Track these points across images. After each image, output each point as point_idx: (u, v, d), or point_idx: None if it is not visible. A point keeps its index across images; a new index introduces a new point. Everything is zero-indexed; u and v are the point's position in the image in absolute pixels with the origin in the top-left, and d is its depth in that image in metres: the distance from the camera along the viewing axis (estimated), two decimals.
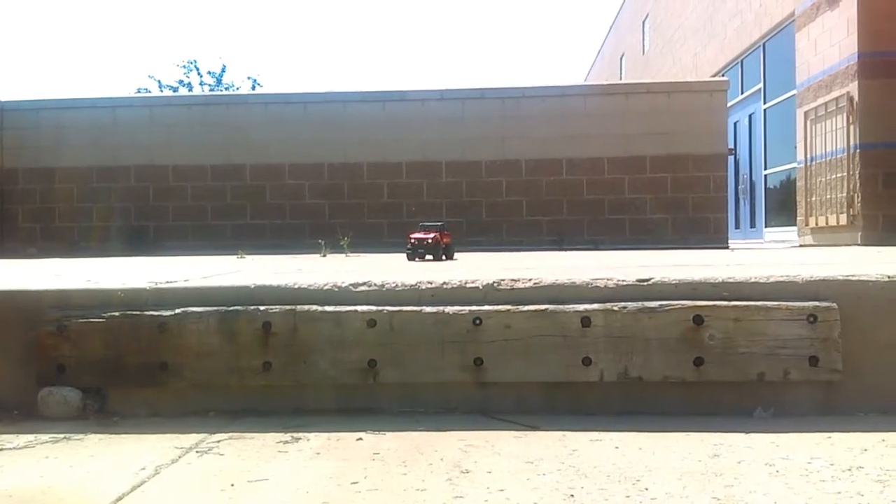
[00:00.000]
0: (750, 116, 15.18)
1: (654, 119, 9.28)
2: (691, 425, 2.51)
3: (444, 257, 5.27)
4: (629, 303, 2.74)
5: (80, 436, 2.55)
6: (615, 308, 2.72)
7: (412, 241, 5.10)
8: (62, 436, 2.55)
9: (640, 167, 9.20)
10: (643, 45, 25.21)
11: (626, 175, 9.22)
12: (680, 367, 2.67)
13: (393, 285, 2.95)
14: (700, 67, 17.22)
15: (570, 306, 2.75)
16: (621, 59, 29.16)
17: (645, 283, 2.81)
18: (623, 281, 2.83)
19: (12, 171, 9.41)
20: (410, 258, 5.02)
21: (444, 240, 5.28)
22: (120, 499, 1.96)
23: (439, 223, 5.40)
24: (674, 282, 2.81)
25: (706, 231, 9.19)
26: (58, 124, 9.51)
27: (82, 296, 2.96)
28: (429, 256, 5.11)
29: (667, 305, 2.71)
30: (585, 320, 2.71)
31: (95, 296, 2.95)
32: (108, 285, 3.04)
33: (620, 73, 28.41)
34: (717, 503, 1.83)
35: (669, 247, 7.85)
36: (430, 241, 5.07)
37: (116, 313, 2.85)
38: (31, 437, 2.55)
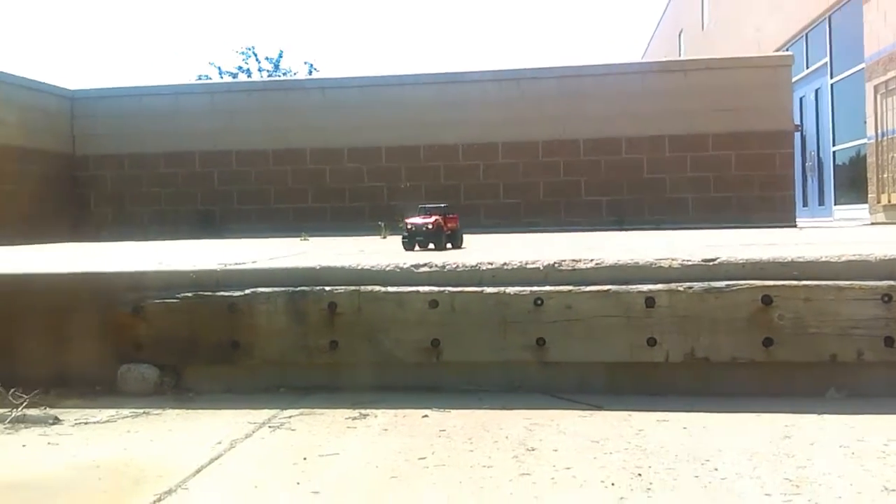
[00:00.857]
0: (816, 91, 14.66)
1: (715, 96, 9.04)
2: (761, 406, 2.48)
3: (448, 246, 4.30)
4: (695, 283, 2.70)
5: (159, 411, 2.66)
6: (680, 288, 2.69)
7: (408, 227, 4.12)
8: (141, 411, 2.67)
9: (702, 145, 9.00)
10: (702, 21, 24.51)
11: (688, 153, 9.02)
12: (748, 348, 2.63)
13: (453, 266, 2.97)
14: (763, 42, 16.67)
15: (634, 287, 2.73)
16: (680, 35, 28.44)
17: (711, 263, 2.77)
18: (688, 261, 2.79)
19: (83, 158, 9.76)
20: (407, 248, 4.08)
21: (449, 225, 4.32)
22: (199, 471, 2.04)
23: (443, 205, 4.39)
24: (741, 261, 2.76)
25: (772, 210, 8.95)
26: (125, 112, 9.82)
27: (156, 278, 3.07)
28: (431, 245, 4.18)
29: (734, 285, 2.67)
30: (650, 301, 2.68)
31: (168, 277, 3.06)
32: (180, 267, 3.14)
33: (679, 50, 27.71)
34: (790, 484, 1.81)
35: (734, 226, 7.68)
36: (430, 226, 4.07)
37: (189, 294, 2.96)
38: (112, 411, 2.67)
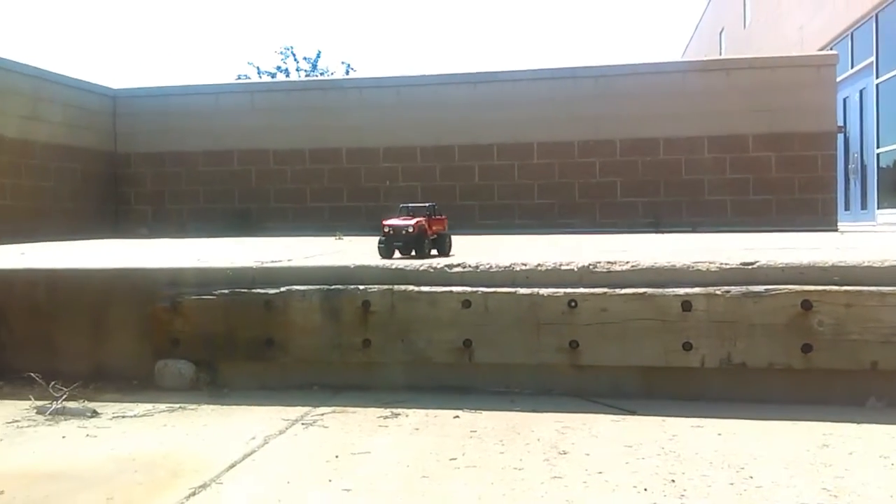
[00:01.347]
0: (861, 92, 14.31)
1: (756, 96, 8.88)
2: (798, 414, 2.43)
3: (432, 252, 3.59)
4: (733, 287, 2.66)
5: (194, 406, 2.71)
6: (718, 292, 2.65)
7: (385, 229, 3.45)
8: (177, 405, 2.71)
9: (741, 146, 8.84)
10: (744, 19, 24.11)
11: (727, 154, 8.87)
12: (786, 354, 2.58)
13: (487, 267, 2.97)
14: (806, 41, 16.33)
15: (670, 290, 2.70)
16: (721, 34, 28.00)
17: (749, 267, 2.72)
18: (726, 264, 2.75)
19: (125, 156, 9.95)
20: (384, 254, 3.37)
21: (434, 227, 3.65)
22: (233, 466, 2.07)
23: (427, 204, 3.75)
24: (780, 265, 2.71)
25: (814, 213, 8.76)
26: (165, 111, 9.99)
27: (194, 274, 3.12)
28: (412, 252, 3.45)
29: (773, 290, 2.62)
30: (686, 304, 2.65)
31: (206, 274, 3.11)
32: (218, 264, 3.19)
33: (720, 49, 27.29)
34: (828, 494, 1.77)
35: (774, 229, 7.53)
36: (410, 229, 3.40)
37: (226, 291, 3.00)
38: (149, 405, 2.72)
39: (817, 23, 16.13)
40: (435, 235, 3.66)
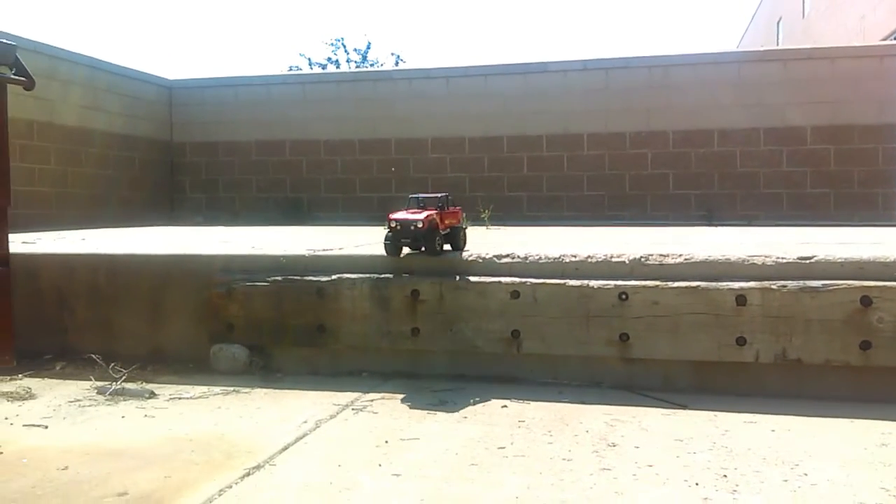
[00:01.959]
0: None
1: (815, 87, 8.62)
2: (856, 412, 2.37)
3: (447, 247, 3.22)
4: (789, 281, 2.60)
5: (248, 389, 2.77)
6: (774, 287, 2.60)
7: (392, 224, 3.09)
8: (232, 389, 2.78)
9: (799, 138, 8.60)
10: (803, 9, 23.41)
11: (784, 147, 8.64)
12: (844, 351, 2.52)
13: (536, 258, 2.96)
14: (868, 31, 15.77)
15: (724, 284, 2.65)
16: (778, 23, 27.24)
17: (807, 262, 2.66)
18: (783, 258, 2.69)
19: (181, 146, 10.17)
20: (390, 252, 3.06)
21: (447, 221, 3.24)
22: (286, 448, 2.11)
23: (440, 195, 3.34)
24: (839, 260, 2.64)
25: (873, 207, 8.47)
26: (219, 101, 10.17)
27: (248, 261, 3.19)
28: (421, 249, 3.11)
29: (831, 285, 2.55)
30: (741, 299, 2.60)
31: (260, 261, 3.17)
32: (272, 252, 3.24)
33: (777, 39, 26.57)
34: (887, 494, 1.73)
35: (831, 224, 7.32)
36: (419, 224, 3.02)
37: (279, 278, 3.05)
38: (204, 388, 2.79)
39: (880, 13, 15.57)
40: (448, 230, 3.25)
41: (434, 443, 2.14)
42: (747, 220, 8.32)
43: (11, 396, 2.68)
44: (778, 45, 25.46)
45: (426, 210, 3.17)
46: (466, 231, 3.47)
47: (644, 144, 8.99)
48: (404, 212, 3.16)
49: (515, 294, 2.84)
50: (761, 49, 10.95)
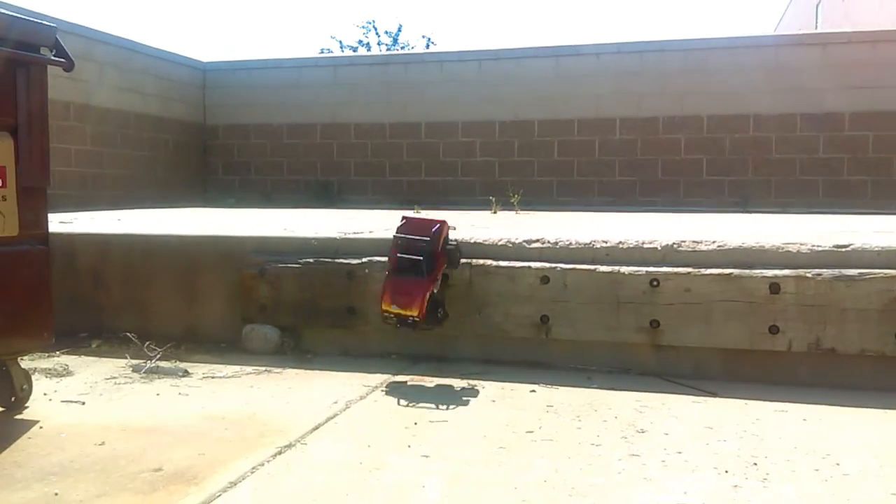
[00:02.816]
0: None
1: (855, 72, 8.41)
2: (890, 402, 2.33)
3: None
4: (824, 270, 2.56)
5: (279, 369, 2.81)
6: (809, 275, 2.56)
7: (385, 315, 2.55)
8: (263, 368, 2.81)
9: (837, 124, 8.42)
10: None
11: (821, 133, 8.46)
12: (880, 341, 2.48)
13: (566, 243, 2.95)
14: None
15: (758, 271, 2.62)
16: (817, 6, 26.62)
17: (843, 250, 2.62)
18: (818, 246, 2.65)
19: (214, 128, 10.27)
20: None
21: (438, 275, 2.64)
22: (316, 428, 2.14)
23: (433, 227, 2.64)
24: (876, 249, 2.59)
25: None
26: (251, 84, 10.23)
27: (280, 243, 3.22)
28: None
29: (867, 274, 2.51)
30: (774, 287, 2.57)
31: (292, 243, 3.20)
32: (303, 234, 3.27)
33: (816, 23, 25.99)
34: None
35: (869, 212, 7.18)
36: (416, 317, 2.53)
37: (310, 260, 3.08)
38: (236, 367, 2.84)
39: None
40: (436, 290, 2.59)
41: (462, 425, 2.16)
42: (782, 208, 8.19)
43: (50, 373, 2.74)
44: (817, 28, 24.87)
45: (415, 279, 2.52)
46: (460, 252, 2.76)
47: (678, 129, 8.88)
48: (391, 285, 2.55)
49: (545, 279, 2.83)
50: (800, 32, 10.72)
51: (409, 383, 2.62)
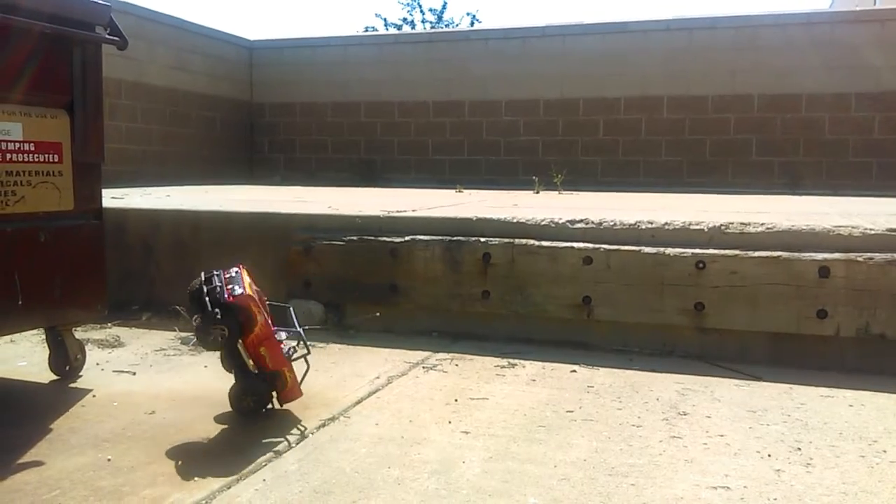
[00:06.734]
0: None
1: None
2: None
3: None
4: (876, 254, 2.50)
5: (323, 344, 2.85)
6: (860, 259, 2.50)
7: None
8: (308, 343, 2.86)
9: (894, 104, 8.16)
10: None
11: (877, 113, 8.19)
12: None
13: (611, 223, 2.93)
14: None
15: (807, 255, 2.57)
16: None
17: None
18: (870, 229, 2.59)
19: (260, 106, 10.38)
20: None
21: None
22: (359, 402, 2.18)
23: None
24: None
25: None
26: (297, 62, 10.30)
27: (325, 220, 3.26)
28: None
29: None
30: (823, 270, 2.52)
31: (337, 221, 3.24)
32: (348, 212, 3.31)
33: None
34: None
35: None
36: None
37: (355, 238, 3.12)
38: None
39: None
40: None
41: (502, 403, 2.17)
42: (833, 190, 7.98)
43: (102, 344, 2.84)
44: (875, 4, 23.96)
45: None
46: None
47: (727, 109, 8.68)
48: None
49: (588, 260, 2.82)
50: (856, 9, 10.36)
51: (450, 361, 2.64)
